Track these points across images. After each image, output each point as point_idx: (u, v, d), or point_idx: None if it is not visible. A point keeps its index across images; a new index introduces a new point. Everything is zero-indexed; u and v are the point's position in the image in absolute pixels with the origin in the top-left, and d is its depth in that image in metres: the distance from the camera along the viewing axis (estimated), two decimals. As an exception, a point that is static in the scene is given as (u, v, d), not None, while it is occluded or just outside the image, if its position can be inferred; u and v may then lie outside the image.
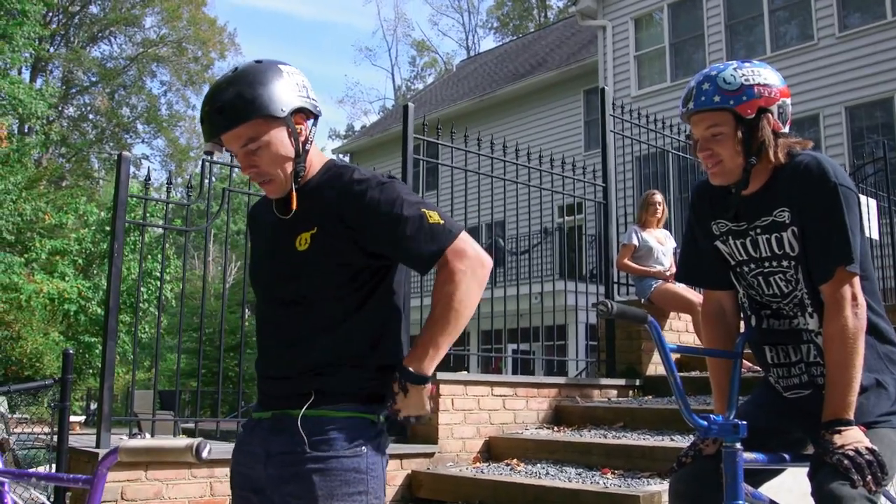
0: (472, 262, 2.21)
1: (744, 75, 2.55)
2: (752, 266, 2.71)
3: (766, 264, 2.67)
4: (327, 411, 2.17)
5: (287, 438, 2.18)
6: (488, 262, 2.25)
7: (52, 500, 5.51)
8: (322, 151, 2.49)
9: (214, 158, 6.23)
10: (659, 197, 7.96)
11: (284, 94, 2.23)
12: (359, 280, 2.26)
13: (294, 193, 2.30)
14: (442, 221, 2.22)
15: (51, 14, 36.08)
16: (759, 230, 2.66)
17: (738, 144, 2.55)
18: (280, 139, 2.24)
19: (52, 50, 37.67)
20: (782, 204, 2.58)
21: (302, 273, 2.24)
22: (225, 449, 2.35)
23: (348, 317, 2.25)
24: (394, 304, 2.33)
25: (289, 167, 2.27)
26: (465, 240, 2.23)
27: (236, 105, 2.18)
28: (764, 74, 2.58)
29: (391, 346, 2.30)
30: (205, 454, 2.04)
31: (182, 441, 2.06)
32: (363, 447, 2.18)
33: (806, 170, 2.53)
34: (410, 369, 2.17)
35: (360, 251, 2.23)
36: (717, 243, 2.80)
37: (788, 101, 2.62)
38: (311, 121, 2.33)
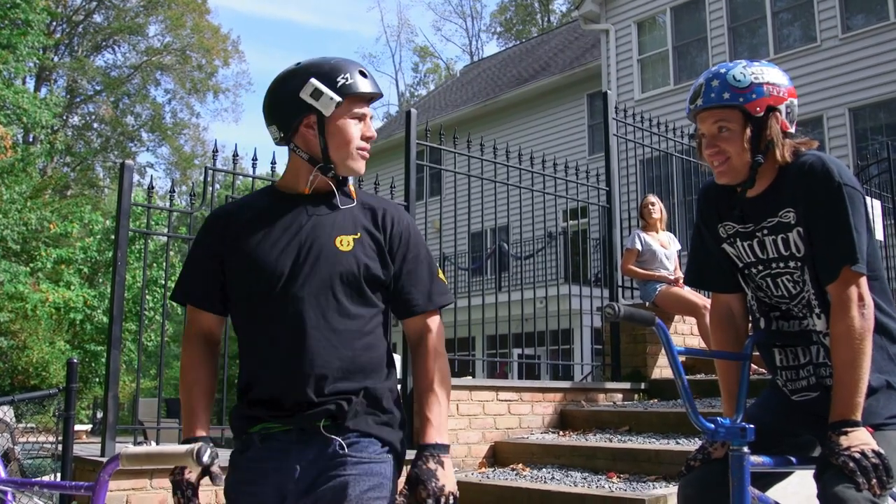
0: (442, 336, 2.43)
1: (753, 73, 2.55)
2: (760, 268, 2.70)
3: (774, 265, 2.66)
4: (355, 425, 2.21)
5: (319, 446, 2.19)
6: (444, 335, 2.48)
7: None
8: None
9: (218, 165, 6.24)
10: (652, 198, 7.98)
11: None
12: (383, 299, 2.35)
13: (352, 187, 2.43)
14: (445, 282, 2.45)
15: (55, 24, 36.15)
16: (765, 231, 2.65)
17: (747, 142, 2.54)
18: None
19: (56, 59, 37.70)
20: (788, 204, 2.58)
21: (344, 272, 2.26)
22: (231, 456, 2.36)
23: (376, 335, 2.30)
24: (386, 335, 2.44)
25: None
26: (439, 314, 2.44)
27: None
28: (772, 74, 2.58)
29: (395, 376, 2.38)
30: (205, 458, 2.04)
31: (183, 446, 2.06)
32: (388, 454, 2.24)
33: (811, 170, 2.52)
34: (435, 442, 2.23)
35: (389, 271, 2.34)
36: (724, 246, 2.79)
37: (795, 101, 2.62)
38: None
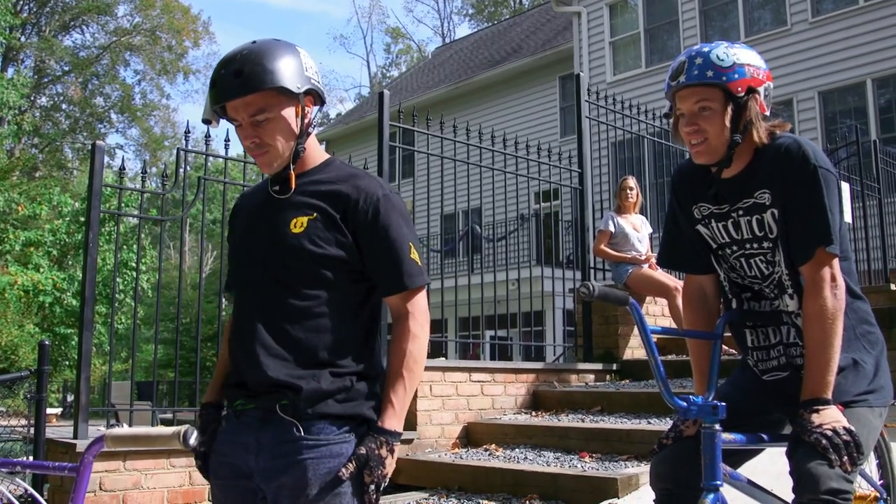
0: (423, 319, 2.31)
1: (735, 54, 2.56)
2: (735, 248, 2.72)
3: (748, 246, 2.69)
4: (313, 408, 2.19)
5: (277, 427, 2.19)
6: (428, 317, 2.36)
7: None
8: None
9: (189, 147, 6.20)
10: (631, 182, 8.02)
11: (300, 72, 2.25)
12: (349, 279, 2.28)
13: (293, 173, 2.32)
14: (420, 263, 2.32)
15: (22, 2, 35.67)
16: (740, 212, 2.67)
17: (727, 121, 2.55)
18: (288, 115, 2.26)
19: (23, 39, 37.22)
20: (763, 185, 2.60)
21: (293, 255, 2.24)
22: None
23: (339, 317, 2.26)
24: (376, 315, 2.38)
25: (290, 145, 2.28)
26: (423, 293, 2.34)
27: (255, 71, 2.18)
28: (751, 56, 2.60)
29: (372, 356, 2.33)
30: (192, 441, 2.06)
31: (169, 428, 2.07)
32: (351, 433, 2.21)
33: (787, 152, 2.55)
34: (393, 429, 2.20)
35: (351, 250, 2.26)
36: (698, 227, 2.81)
37: (772, 85, 2.64)
38: (318, 107, 2.36)
